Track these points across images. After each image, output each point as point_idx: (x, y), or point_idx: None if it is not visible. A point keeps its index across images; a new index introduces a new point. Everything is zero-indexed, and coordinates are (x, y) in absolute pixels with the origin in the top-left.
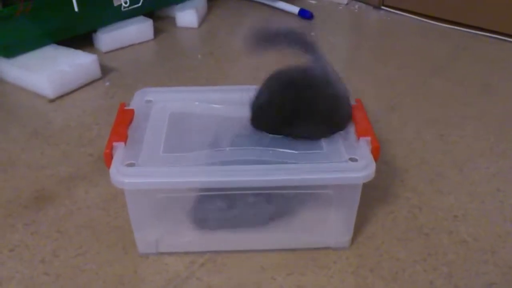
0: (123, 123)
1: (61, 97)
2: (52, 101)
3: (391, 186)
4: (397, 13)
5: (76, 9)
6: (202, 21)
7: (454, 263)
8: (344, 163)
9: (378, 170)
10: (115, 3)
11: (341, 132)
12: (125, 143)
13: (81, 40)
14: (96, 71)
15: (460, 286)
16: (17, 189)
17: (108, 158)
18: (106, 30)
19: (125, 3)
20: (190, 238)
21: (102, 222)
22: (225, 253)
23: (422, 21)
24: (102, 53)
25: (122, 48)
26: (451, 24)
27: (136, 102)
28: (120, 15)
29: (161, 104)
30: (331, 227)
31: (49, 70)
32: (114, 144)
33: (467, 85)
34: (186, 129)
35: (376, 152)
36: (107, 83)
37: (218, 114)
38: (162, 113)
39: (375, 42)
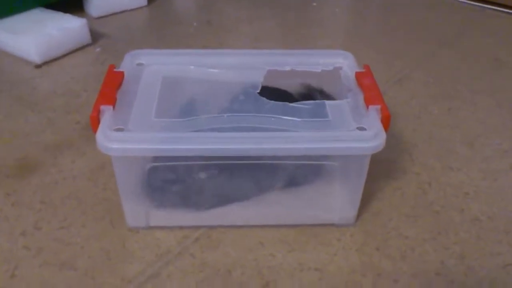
0: (111, 86)
1: (48, 62)
2: (38, 66)
3: (399, 160)
4: None
5: None
6: None
7: (466, 243)
8: (351, 132)
9: (385, 144)
10: None
11: (349, 100)
12: (114, 107)
13: (71, 4)
14: (85, 36)
15: (473, 267)
16: (0, 157)
17: (94, 122)
18: None
19: None
20: (183, 213)
21: (88, 193)
22: (221, 228)
23: None
24: (93, 18)
25: (114, 14)
26: None
27: (126, 65)
28: None
29: (153, 67)
30: (335, 201)
31: (36, 33)
32: (102, 107)
33: (476, 60)
34: (180, 94)
35: (387, 122)
36: (98, 49)
37: (215, 79)
38: (155, 76)
39: (381, 14)
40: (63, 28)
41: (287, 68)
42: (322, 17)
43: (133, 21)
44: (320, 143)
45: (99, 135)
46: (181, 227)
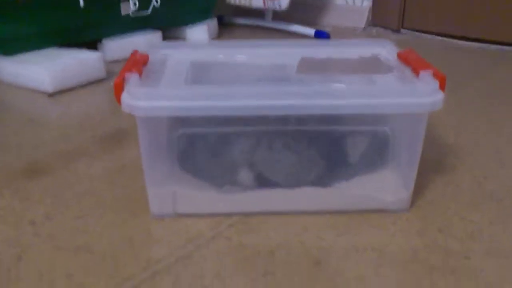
0: (137, 62)
1: (61, 92)
2: (51, 95)
3: (446, 159)
4: (418, 35)
5: (82, 4)
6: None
7: None
8: (406, 86)
9: (429, 145)
10: (123, 12)
11: (395, 73)
12: (140, 76)
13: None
14: (100, 70)
15: None
16: (6, 164)
17: (118, 89)
18: (113, 39)
19: (134, 4)
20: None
21: (106, 190)
22: (257, 215)
23: (445, 40)
24: (107, 62)
25: None
26: (474, 42)
27: (151, 53)
28: (128, 25)
29: (180, 55)
30: (387, 179)
31: (50, 62)
32: (127, 74)
33: (506, 88)
34: (211, 73)
35: (442, 83)
36: (113, 83)
37: (246, 62)
38: (182, 61)
39: None
40: (78, 58)
41: (322, 56)
42: None
43: None
44: (369, 97)
45: (124, 94)
46: (211, 215)
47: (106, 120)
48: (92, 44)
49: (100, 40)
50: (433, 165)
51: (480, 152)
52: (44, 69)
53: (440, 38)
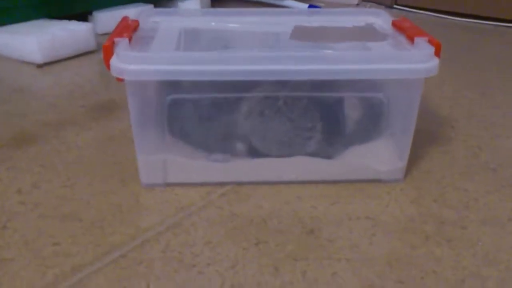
0: (127, 27)
1: (50, 63)
2: (40, 66)
3: (442, 131)
4: (411, 11)
5: None
6: None
7: None
8: (402, 52)
9: (424, 117)
10: None
11: (389, 41)
12: (130, 41)
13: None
14: (90, 41)
15: None
16: None
17: (107, 53)
18: (103, 11)
19: None
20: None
21: (95, 159)
22: (249, 185)
23: (439, 16)
24: (98, 34)
25: None
26: (468, 18)
27: (141, 20)
28: None
29: (171, 22)
30: (382, 149)
31: (40, 33)
32: (116, 39)
33: (501, 59)
34: (202, 40)
35: (438, 49)
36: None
37: (239, 30)
38: (173, 28)
39: None
40: (68, 29)
41: (316, 25)
42: None
43: None
44: (369, 63)
45: (114, 58)
46: (203, 184)
47: (96, 91)
48: (83, 16)
49: (90, 12)
50: (428, 136)
51: (474, 123)
52: (33, 39)
53: (433, 14)
